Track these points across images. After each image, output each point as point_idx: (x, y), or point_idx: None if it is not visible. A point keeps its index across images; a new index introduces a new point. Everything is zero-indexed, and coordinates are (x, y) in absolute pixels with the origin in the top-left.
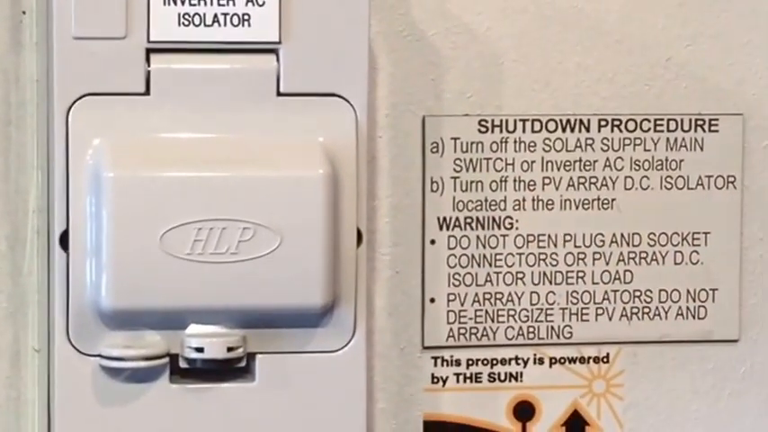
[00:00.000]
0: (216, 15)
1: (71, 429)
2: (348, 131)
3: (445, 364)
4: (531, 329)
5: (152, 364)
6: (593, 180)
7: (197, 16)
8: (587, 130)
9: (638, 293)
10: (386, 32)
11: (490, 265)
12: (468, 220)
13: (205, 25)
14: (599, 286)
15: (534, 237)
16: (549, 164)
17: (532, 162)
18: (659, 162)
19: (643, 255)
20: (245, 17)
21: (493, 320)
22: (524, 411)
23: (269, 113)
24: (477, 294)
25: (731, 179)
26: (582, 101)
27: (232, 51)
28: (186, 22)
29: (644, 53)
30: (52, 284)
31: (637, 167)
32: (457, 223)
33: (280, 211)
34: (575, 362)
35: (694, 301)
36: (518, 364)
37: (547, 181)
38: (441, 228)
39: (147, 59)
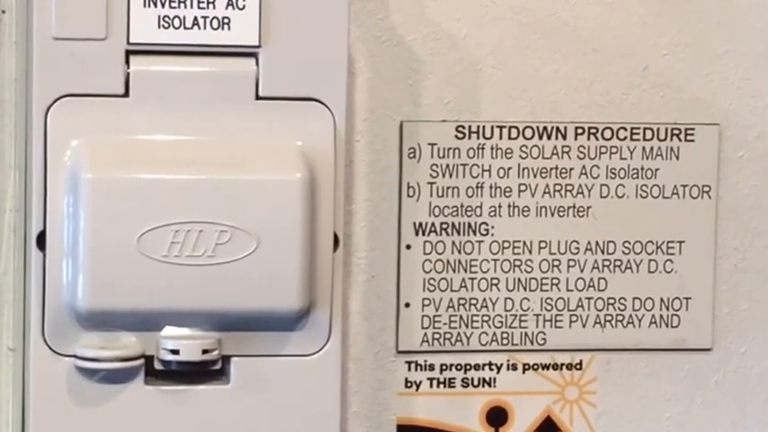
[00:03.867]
0: (196, 18)
1: (46, 429)
2: (326, 136)
3: (419, 368)
4: (504, 335)
5: (127, 365)
6: (569, 187)
7: (177, 19)
8: (564, 137)
9: (611, 301)
10: (364, 37)
11: (465, 270)
12: (444, 226)
13: (185, 28)
14: (573, 293)
15: (510, 243)
16: (526, 171)
17: (509, 169)
18: (635, 171)
19: (617, 263)
20: (225, 21)
21: (467, 326)
22: (497, 417)
23: (247, 117)
24: (451, 300)
25: (706, 189)
26: (559, 108)
27: (211, 54)
28: (166, 25)
29: (621, 62)
30: (28, 284)
31: (612, 176)
32: (433, 229)
33: (257, 215)
34: (548, 368)
35: (668, 309)
36: (491, 369)
37: (523, 188)
38: (416, 233)
39: (127, 61)
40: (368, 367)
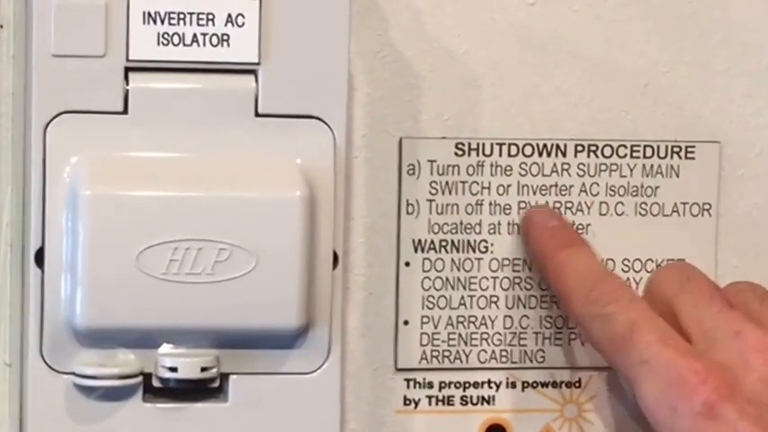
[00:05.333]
0: (195, 35)
1: None
2: (326, 153)
3: (418, 386)
4: (504, 353)
5: (125, 382)
6: (569, 205)
7: (176, 36)
8: (564, 154)
9: None
10: (363, 53)
11: (464, 288)
12: (444, 243)
13: (184, 45)
14: None
15: (509, 261)
16: (525, 188)
17: (508, 186)
18: (635, 188)
19: None
20: (225, 37)
21: (466, 343)
22: None
23: (247, 134)
24: (450, 317)
25: (706, 207)
26: (559, 125)
27: (211, 71)
28: (165, 42)
29: (622, 79)
30: (26, 300)
31: (612, 193)
32: (432, 246)
33: (256, 233)
34: (547, 386)
35: None
36: (490, 387)
37: (522, 205)
38: (415, 250)
39: (126, 78)
40: (366, 384)
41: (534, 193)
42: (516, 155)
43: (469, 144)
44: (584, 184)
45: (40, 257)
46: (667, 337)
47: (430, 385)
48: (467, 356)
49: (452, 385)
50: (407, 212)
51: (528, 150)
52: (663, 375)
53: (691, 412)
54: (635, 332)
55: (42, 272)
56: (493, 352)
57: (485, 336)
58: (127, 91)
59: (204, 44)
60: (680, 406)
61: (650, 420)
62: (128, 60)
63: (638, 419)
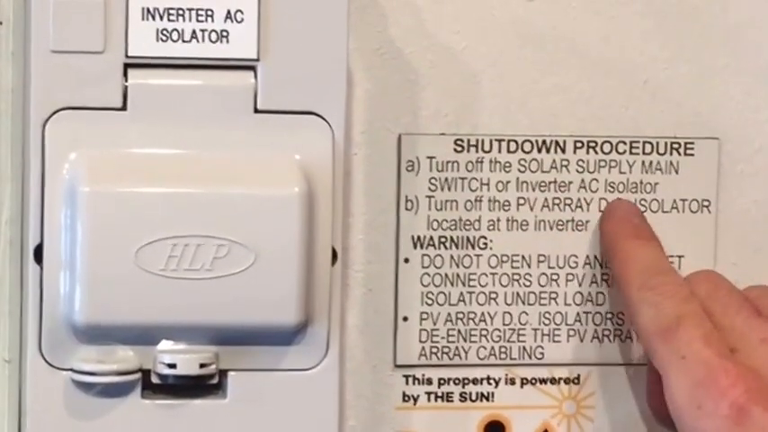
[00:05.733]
0: (194, 31)
1: None
2: (325, 150)
3: (417, 382)
4: (503, 350)
5: (124, 379)
6: (568, 201)
7: (175, 32)
8: (563, 151)
9: (609, 315)
10: (362, 49)
11: (463, 284)
12: (443, 240)
13: (183, 41)
14: (571, 307)
15: (508, 257)
16: (524, 184)
17: (507, 182)
18: (634, 185)
19: None
20: (224, 34)
21: (465, 340)
22: (495, 431)
23: (246, 130)
24: (449, 314)
25: (706, 203)
26: (558, 122)
27: (210, 68)
28: (164, 38)
29: (621, 75)
30: (25, 297)
31: (611, 189)
32: (431, 242)
33: (255, 229)
34: (546, 382)
35: None
36: (489, 383)
37: (521, 201)
38: (415, 246)
39: (125, 74)
40: (365, 381)
41: (533, 190)
42: (515, 151)
43: (468, 140)
44: (583, 180)
45: (38, 254)
46: (710, 337)
47: (429, 382)
48: (466, 353)
49: (451, 382)
50: (406, 209)
51: (527, 147)
52: (695, 372)
53: (716, 413)
54: (681, 326)
55: (41, 268)
56: (492, 348)
57: (484, 332)
58: (126, 87)
59: (203, 40)
60: (706, 405)
61: (673, 416)
62: (127, 57)
63: (637, 416)
